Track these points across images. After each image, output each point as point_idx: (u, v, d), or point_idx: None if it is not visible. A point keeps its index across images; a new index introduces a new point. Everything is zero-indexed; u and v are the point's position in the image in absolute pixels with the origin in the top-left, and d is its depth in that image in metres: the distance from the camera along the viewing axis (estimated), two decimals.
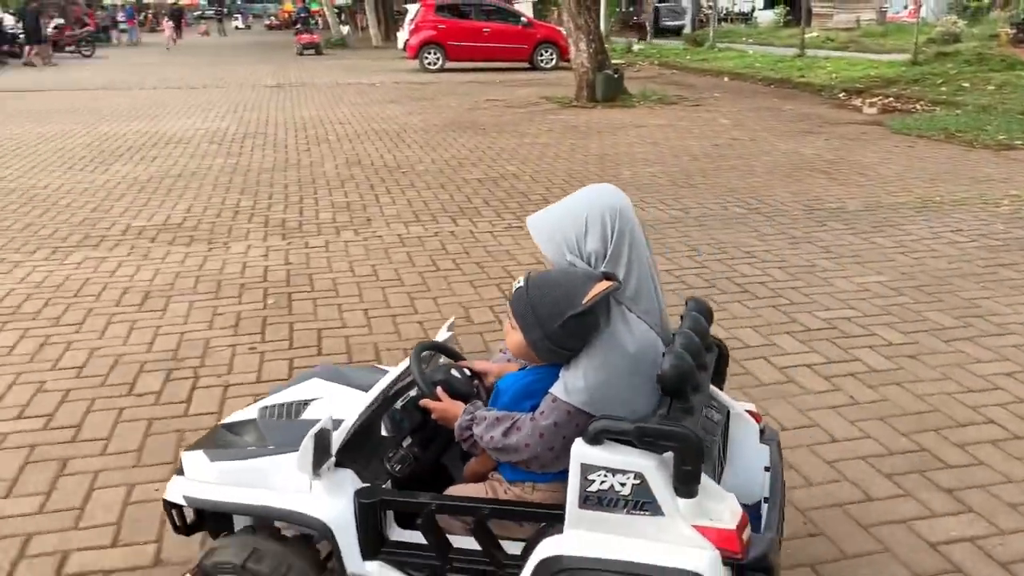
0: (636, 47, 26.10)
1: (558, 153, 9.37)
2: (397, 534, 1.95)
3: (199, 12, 65.99)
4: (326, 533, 1.87)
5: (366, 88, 17.21)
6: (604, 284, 1.74)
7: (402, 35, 24.85)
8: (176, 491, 2.04)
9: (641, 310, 1.82)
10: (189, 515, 2.12)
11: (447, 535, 1.89)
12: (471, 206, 6.94)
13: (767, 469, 2.08)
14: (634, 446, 1.63)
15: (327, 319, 4.50)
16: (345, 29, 36.87)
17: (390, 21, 35.87)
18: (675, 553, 1.62)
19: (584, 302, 1.71)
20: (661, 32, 31.26)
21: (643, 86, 15.39)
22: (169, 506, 2.09)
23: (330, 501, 1.87)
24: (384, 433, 2.03)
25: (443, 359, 2.27)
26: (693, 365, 1.75)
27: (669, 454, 1.62)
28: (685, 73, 19.66)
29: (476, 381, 2.16)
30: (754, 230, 6.07)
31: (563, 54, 20.19)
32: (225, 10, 63.61)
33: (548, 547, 1.71)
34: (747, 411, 2.14)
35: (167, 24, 27.63)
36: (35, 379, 3.76)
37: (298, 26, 32.07)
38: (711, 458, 1.88)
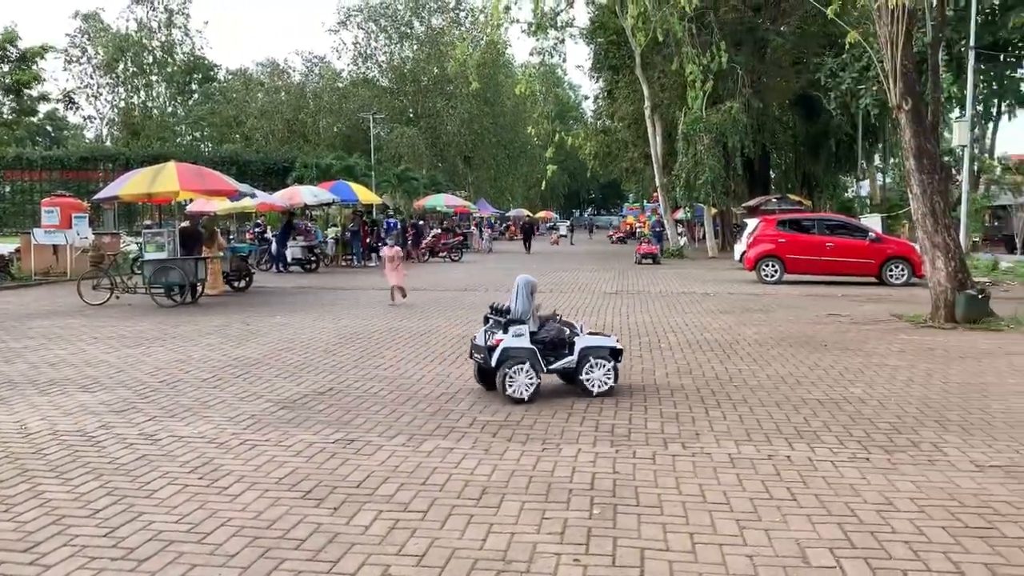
0: (1004, 264, 23.76)
1: (911, 377, 8.60)
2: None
3: (551, 223, 73.61)
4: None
5: (700, 297, 17.47)
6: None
7: (739, 247, 25.72)
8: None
9: (515, 307, 7.75)
10: None
11: None
12: (809, 429, 6.52)
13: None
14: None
15: (650, 539, 4.37)
16: (683, 240, 38.58)
17: (727, 234, 37.92)
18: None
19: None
20: None
21: (1015, 309, 13.64)
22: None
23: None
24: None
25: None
26: (499, 312, 7.88)
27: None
28: None
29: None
30: None
31: (916, 270, 19.11)
32: (572, 223, 70.19)
33: None
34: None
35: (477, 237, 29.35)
36: (381, 562, 4.06)
37: (636, 237, 34.48)
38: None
